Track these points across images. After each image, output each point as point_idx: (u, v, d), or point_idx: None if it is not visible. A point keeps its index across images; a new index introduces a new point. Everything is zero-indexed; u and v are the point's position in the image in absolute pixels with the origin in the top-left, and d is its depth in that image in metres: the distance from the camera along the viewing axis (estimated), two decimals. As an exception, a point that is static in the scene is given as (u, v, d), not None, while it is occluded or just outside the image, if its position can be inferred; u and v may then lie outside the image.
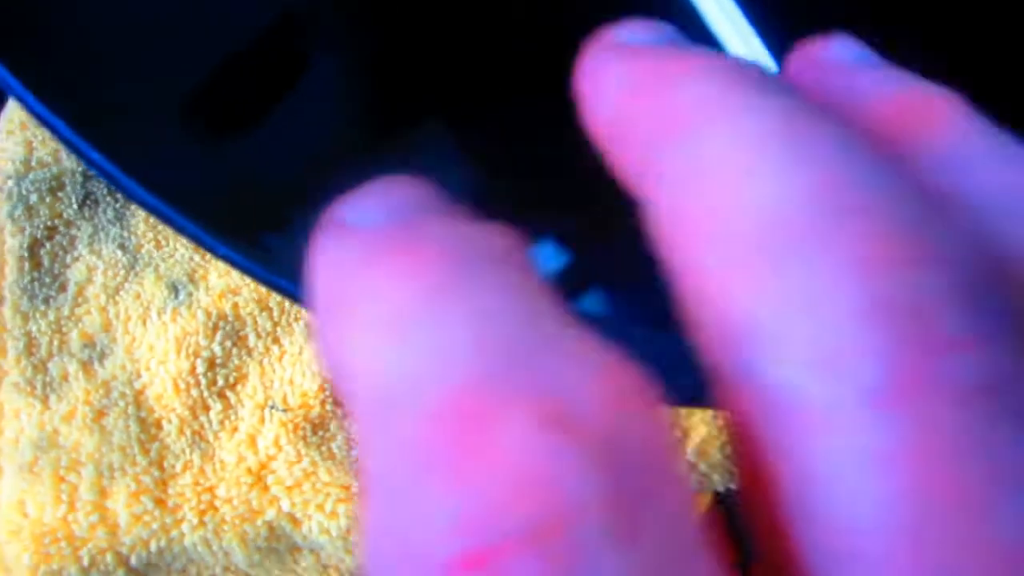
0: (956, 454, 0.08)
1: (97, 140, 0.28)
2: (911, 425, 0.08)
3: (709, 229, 0.09)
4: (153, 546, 0.30)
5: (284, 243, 0.28)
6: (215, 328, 0.34)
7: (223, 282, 0.35)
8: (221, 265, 0.36)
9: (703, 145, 0.10)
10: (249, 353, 0.34)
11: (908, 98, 0.11)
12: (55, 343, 0.33)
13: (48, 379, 0.33)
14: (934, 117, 0.11)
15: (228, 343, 0.34)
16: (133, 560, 0.30)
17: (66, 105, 0.27)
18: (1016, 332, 0.09)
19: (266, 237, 0.28)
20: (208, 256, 0.36)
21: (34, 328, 0.34)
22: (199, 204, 0.28)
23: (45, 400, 0.32)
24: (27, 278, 0.35)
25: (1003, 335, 0.08)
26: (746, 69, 0.11)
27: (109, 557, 0.30)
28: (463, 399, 0.08)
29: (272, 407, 0.33)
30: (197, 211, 0.28)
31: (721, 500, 0.32)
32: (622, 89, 0.11)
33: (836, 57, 0.12)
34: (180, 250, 0.36)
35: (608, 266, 0.28)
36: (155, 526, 0.30)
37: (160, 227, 0.36)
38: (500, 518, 0.07)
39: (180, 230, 0.28)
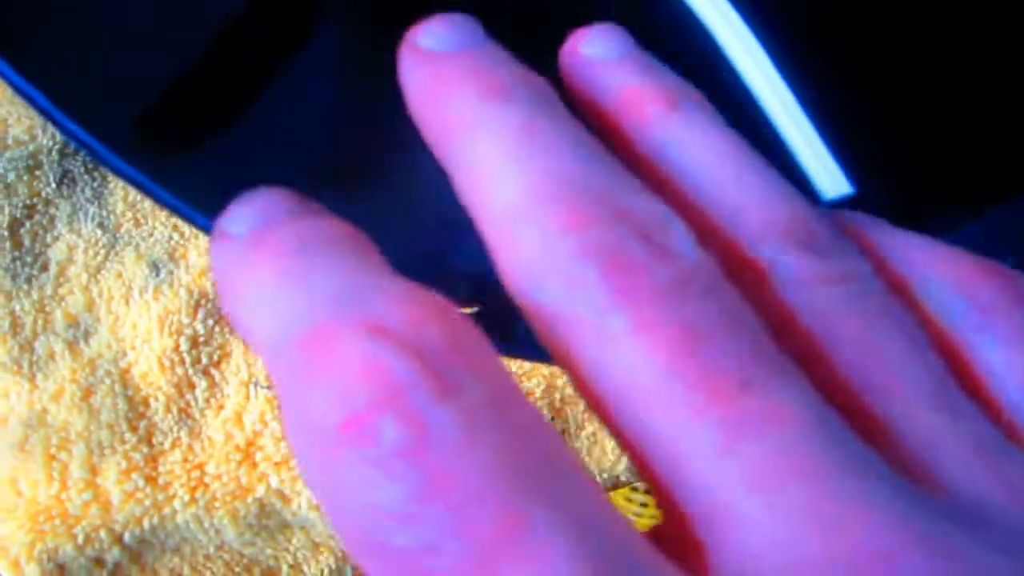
0: (665, 322, 0.13)
1: (78, 113, 0.28)
2: (633, 310, 0.13)
3: (478, 208, 0.14)
4: (146, 523, 0.31)
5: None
6: (197, 306, 0.35)
7: (203, 260, 0.36)
8: (201, 244, 0.36)
9: (464, 149, 0.14)
10: (232, 331, 0.34)
11: (632, 91, 0.16)
12: (39, 322, 0.34)
13: (34, 358, 0.33)
14: (647, 106, 0.16)
15: (210, 321, 0.34)
16: (127, 537, 0.31)
17: (45, 76, 0.28)
18: (686, 243, 0.14)
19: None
20: (188, 235, 0.36)
21: (18, 307, 0.34)
22: (180, 176, 0.29)
23: (32, 379, 0.33)
24: (8, 257, 0.35)
25: (676, 252, 0.13)
26: (502, 74, 0.15)
27: (103, 534, 0.31)
28: (316, 331, 0.12)
29: (256, 384, 0.34)
30: (178, 183, 0.28)
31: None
32: (412, 92, 0.16)
33: (588, 52, 0.17)
34: (159, 229, 0.36)
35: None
36: (147, 503, 0.31)
37: (139, 206, 0.37)
38: (356, 393, 0.11)
39: (160, 201, 0.29)
